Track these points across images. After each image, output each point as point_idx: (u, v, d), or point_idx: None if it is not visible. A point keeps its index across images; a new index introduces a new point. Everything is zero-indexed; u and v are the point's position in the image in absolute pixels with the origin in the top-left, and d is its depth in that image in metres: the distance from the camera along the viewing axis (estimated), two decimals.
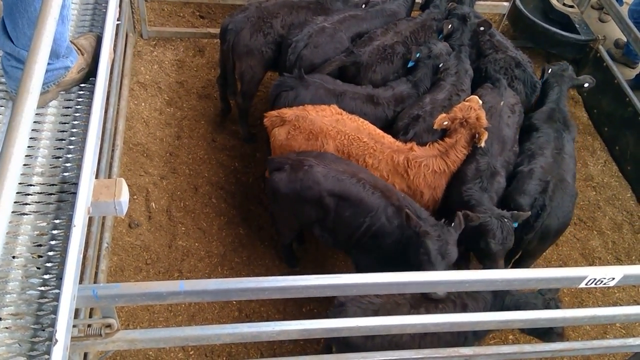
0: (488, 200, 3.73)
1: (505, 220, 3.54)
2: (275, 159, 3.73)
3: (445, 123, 3.85)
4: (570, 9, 6.11)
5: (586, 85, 4.61)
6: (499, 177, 3.91)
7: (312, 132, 3.76)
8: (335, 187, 3.52)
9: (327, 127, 3.77)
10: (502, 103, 4.24)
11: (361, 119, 3.92)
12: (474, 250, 3.86)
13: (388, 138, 3.88)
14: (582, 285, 2.53)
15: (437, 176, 3.85)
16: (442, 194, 3.94)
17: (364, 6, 4.85)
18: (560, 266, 4.64)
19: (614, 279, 2.51)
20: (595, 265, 4.70)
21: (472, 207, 3.64)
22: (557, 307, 3.35)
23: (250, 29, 4.44)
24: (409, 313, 3.15)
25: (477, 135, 3.81)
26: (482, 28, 4.66)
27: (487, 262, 3.65)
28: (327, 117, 3.81)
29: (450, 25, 4.57)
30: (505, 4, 6.05)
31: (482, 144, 3.81)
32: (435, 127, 3.86)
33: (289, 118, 3.82)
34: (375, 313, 3.13)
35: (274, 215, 4.16)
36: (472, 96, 4.10)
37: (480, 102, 3.99)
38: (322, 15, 4.63)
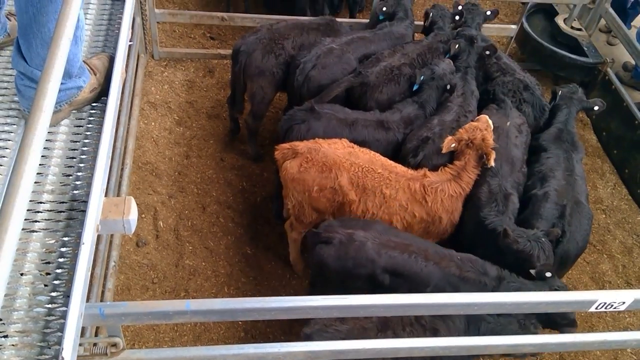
0: (512, 224, 3.71)
1: (543, 240, 3.51)
2: (319, 231, 3.55)
3: (453, 145, 3.86)
4: (578, 32, 6.13)
5: (596, 108, 4.58)
6: (513, 197, 3.89)
7: (326, 164, 3.72)
8: (388, 263, 3.39)
9: (341, 160, 3.73)
10: (508, 123, 4.24)
11: (372, 152, 3.91)
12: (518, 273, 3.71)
13: (400, 167, 3.87)
14: (592, 309, 2.50)
15: (454, 200, 3.83)
16: (459, 217, 3.92)
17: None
18: (570, 290, 4.59)
19: (624, 303, 2.48)
20: (606, 289, 4.64)
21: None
22: (535, 328, 3.33)
23: (262, 51, 4.49)
24: (376, 336, 3.09)
25: (484, 156, 3.81)
26: (487, 52, 4.69)
27: None
28: (339, 149, 3.79)
29: (457, 46, 4.60)
30: (513, 26, 6.08)
31: (492, 164, 3.80)
32: (443, 151, 3.86)
33: (301, 150, 3.77)
34: (343, 340, 3.03)
35: (316, 284, 3.83)
36: (481, 116, 4.11)
37: (490, 122, 4.00)
38: (331, 37, 4.69)
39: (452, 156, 4.00)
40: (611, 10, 5.78)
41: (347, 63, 4.53)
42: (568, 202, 3.87)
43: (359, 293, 3.44)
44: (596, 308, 2.50)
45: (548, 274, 3.40)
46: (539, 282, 3.43)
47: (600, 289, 4.63)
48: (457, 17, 5.05)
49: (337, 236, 3.43)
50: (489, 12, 5.07)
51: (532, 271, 3.46)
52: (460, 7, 5.07)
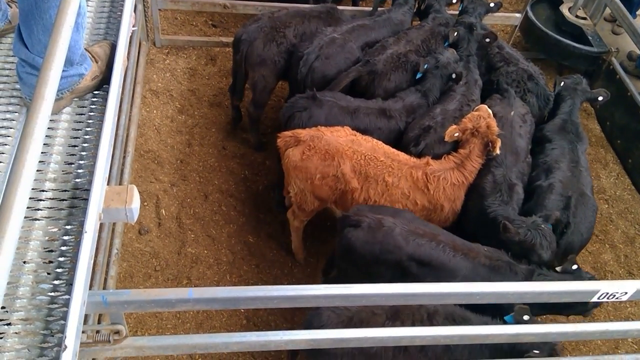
0: (514, 213, 3.69)
1: (542, 226, 3.49)
2: (350, 215, 3.53)
3: (457, 135, 3.85)
4: (583, 21, 6.08)
5: (600, 98, 4.53)
6: (517, 187, 3.88)
7: (328, 152, 3.71)
8: (415, 251, 3.37)
9: (343, 147, 3.72)
10: (512, 113, 4.22)
11: (375, 140, 3.90)
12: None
13: (403, 155, 3.86)
14: (595, 299, 2.50)
15: (456, 188, 3.83)
16: (461, 205, 3.91)
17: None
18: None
19: (626, 293, 2.48)
20: (607, 279, 4.65)
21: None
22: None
23: (263, 39, 4.46)
24: (384, 324, 3.10)
25: (490, 144, 3.80)
26: (487, 40, 4.65)
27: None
28: (342, 137, 3.78)
29: (455, 33, 4.56)
30: (518, 15, 6.03)
31: (498, 152, 3.79)
32: (446, 139, 3.85)
33: (303, 138, 3.76)
34: (350, 320, 3.08)
35: (340, 269, 3.84)
36: (480, 105, 4.09)
37: (490, 110, 3.99)
38: (332, 25, 4.66)
39: (455, 145, 3.99)
40: None
41: (350, 52, 4.50)
42: (573, 194, 3.85)
43: (384, 280, 3.43)
44: (598, 298, 2.50)
45: (574, 267, 3.40)
46: (568, 276, 3.41)
47: (602, 279, 4.63)
48: (454, 0, 5.01)
49: (367, 220, 3.42)
50: (492, 4, 5.02)
51: (558, 268, 3.45)
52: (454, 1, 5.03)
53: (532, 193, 3.97)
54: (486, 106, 4.04)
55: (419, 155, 3.98)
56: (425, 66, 4.33)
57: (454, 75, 4.32)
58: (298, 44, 4.53)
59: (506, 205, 3.73)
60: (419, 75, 4.40)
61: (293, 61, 4.50)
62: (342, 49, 4.47)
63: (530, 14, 6.06)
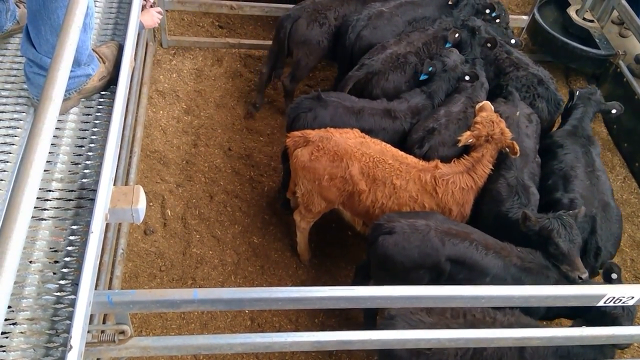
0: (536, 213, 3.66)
1: (564, 217, 3.44)
2: (382, 223, 3.51)
3: (470, 141, 3.84)
4: (590, 24, 6.06)
5: (614, 111, 4.46)
6: (532, 189, 3.85)
7: (337, 153, 3.71)
8: (452, 251, 3.38)
9: (352, 149, 3.72)
10: (517, 113, 4.20)
11: (383, 143, 3.90)
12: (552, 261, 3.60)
13: (411, 158, 3.86)
14: (601, 303, 2.49)
15: (465, 192, 3.81)
16: (470, 210, 3.89)
17: None
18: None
19: (633, 297, 2.47)
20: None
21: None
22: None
23: (306, 19, 4.78)
24: None
25: (507, 149, 3.80)
26: (488, 45, 4.62)
27: (565, 266, 3.43)
28: (351, 139, 3.78)
29: (457, 35, 4.55)
30: (525, 17, 6.02)
31: (518, 154, 3.77)
32: (459, 145, 3.85)
33: (313, 139, 3.77)
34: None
35: (377, 280, 3.76)
36: (484, 102, 4.07)
37: (492, 105, 4.00)
38: (370, 5, 4.89)
39: (464, 148, 3.97)
40: (624, 2, 5.71)
41: (396, 25, 4.81)
42: (597, 211, 3.78)
43: (419, 283, 3.41)
44: (605, 302, 2.48)
45: (614, 276, 3.38)
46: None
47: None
48: (487, 10, 4.96)
49: (400, 225, 3.41)
50: (513, 41, 4.91)
51: (600, 271, 3.42)
52: (487, 11, 4.98)
53: (551, 207, 3.81)
54: (489, 102, 4.03)
55: (423, 157, 3.97)
56: (430, 69, 4.32)
57: (467, 77, 4.31)
58: (347, 17, 4.82)
59: (525, 207, 3.70)
60: (423, 77, 4.40)
61: (342, 31, 4.79)
62: (389, 21, 4.77)
63: (538, 16, 6.05)
